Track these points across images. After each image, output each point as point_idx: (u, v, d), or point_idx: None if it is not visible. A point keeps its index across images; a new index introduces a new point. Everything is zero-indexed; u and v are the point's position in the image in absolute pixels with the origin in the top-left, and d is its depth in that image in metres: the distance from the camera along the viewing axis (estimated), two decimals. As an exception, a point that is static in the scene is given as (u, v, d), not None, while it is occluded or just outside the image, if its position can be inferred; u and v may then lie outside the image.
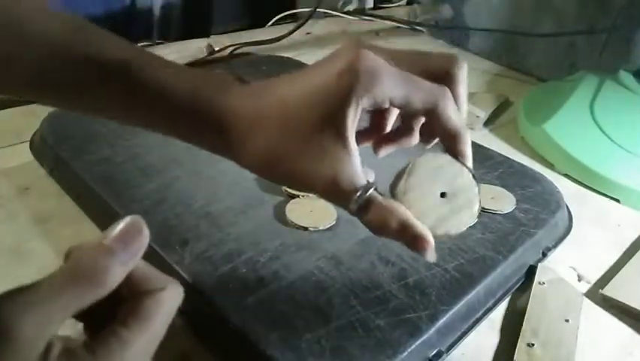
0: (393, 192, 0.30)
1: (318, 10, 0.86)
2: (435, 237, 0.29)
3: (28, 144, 0.57)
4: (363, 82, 0.27)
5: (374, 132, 0.34)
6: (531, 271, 0.45)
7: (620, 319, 0.42)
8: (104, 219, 0.47)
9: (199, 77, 0.30)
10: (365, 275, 0.40)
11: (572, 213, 0.52)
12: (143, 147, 0.54)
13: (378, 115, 0.34)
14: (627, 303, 0.42)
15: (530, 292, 0.43)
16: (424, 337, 0.36)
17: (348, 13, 0.95)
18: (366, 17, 0.95)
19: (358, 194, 0.28)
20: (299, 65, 0.78)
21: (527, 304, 0.41)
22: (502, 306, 0.42)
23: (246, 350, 0.35)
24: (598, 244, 0.50)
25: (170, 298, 0.24)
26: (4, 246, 0.45)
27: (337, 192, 0.28)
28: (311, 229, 0.44)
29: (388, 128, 0.35)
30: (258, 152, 0.29)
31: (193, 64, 0.76)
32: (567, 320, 0.40)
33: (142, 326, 0.23)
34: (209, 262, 0.40)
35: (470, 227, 0.45)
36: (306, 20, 0.85)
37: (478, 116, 0.69)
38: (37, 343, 0.20)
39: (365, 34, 0.96)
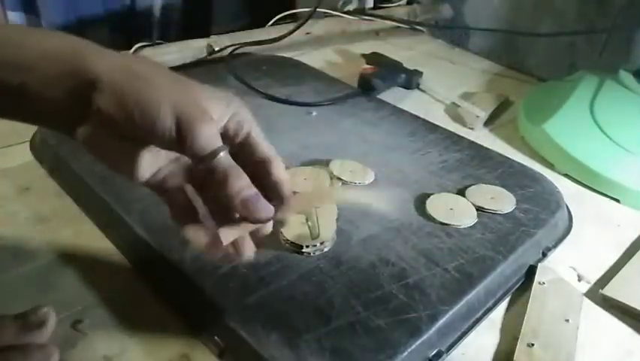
0: None
1: (318, 10, 0.86)
2: None
3: (28, 144, 0.57)
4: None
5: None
6: (531, 271, 0.45)
7: (620, 319, 0.42)
8: (104, 219, 0.47)
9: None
10: (365, 275, 0.40)
11: (572, 213, 0.52)
12: (143, 147, 0.54)
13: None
14: (627, 303, 0.42)
15: (530, 292, 0.43)
16: (424, 337, 0.36)
17: (348, 13, 0.95)
18: (366, 17, 0.95)
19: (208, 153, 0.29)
20: (299, 65, 0.78)
21: (527, 304, 0.41)
22: (502, 306, 0.42)
23: (246, 350, 0.35)
24: (598, 244, 0.50)
25: None
26: (4, 246, 0.45)
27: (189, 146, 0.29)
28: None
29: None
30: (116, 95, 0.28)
31: (193, 64, 0.76)
32: (567, 320, 0.40)
33: None
34: (209, 262, 0.40)
35: (470, 227, 0.46)
36: (306, 20, 0.85)
37: (478, 116, 0.69)
38: None
39: (365, 33, 0.96)
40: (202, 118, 0.29)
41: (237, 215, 0.32)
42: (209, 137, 0.29)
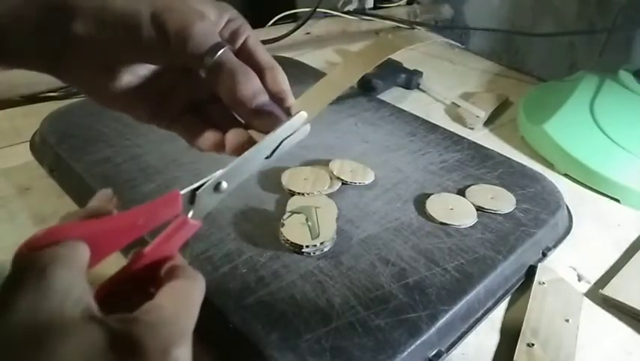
0: None
1: (318, 10, 0.86)
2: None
3: (28, 144, 0.57)
4: None
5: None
6: (531, 271, 0.45)
7: (620, 319, 0.42)
8: (104, 219, 0.47)
9: None
10: (365, 275, 0.40)
11: (572, 213, 0.52)
12: (143, 147, 0.54)
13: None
14: (627, 303, 0.42)
15: (530, 292, 0.43)
16: (424, 337, 0.36)
17: (348, 13, 0.95)
18: (366, 17, 0.95)
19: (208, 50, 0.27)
20: (299, 65, 0.78)
21: (527, 304, 0.41)
22: (502, 306, 0.42)
23: (245, 350, 0.35)
24: (598, 244, 0.50)
25: (201, 287, 0.26)
26: (4, 246, 0.45)
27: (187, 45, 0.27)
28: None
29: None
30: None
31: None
32: (567, 320, 0.40)
33: (182, 305, 0.24)
34: (209, 262, 0.40)
35: (470, 227, 0.46)
36: (306, 20, 0.85)
37: (478, 116, 0.69)
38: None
39: (365, 33, 0.96)
40: (194, 16, 0.27)
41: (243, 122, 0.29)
42: (205, 32, 0.27)
